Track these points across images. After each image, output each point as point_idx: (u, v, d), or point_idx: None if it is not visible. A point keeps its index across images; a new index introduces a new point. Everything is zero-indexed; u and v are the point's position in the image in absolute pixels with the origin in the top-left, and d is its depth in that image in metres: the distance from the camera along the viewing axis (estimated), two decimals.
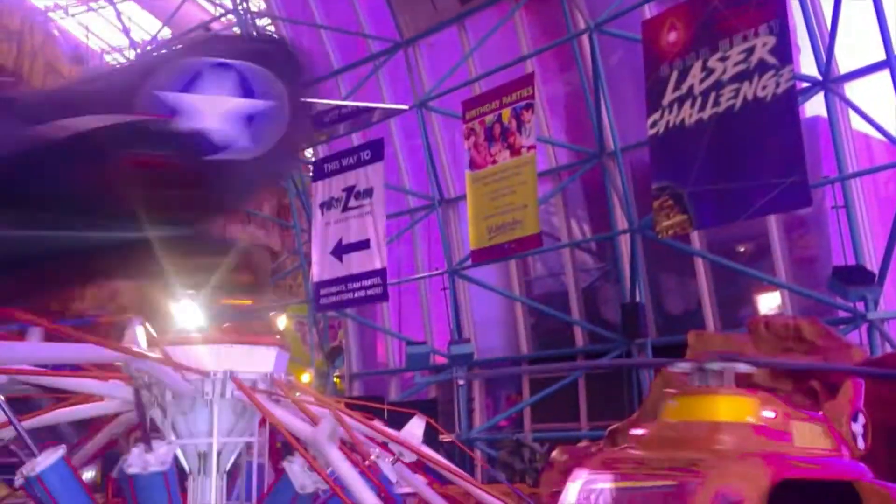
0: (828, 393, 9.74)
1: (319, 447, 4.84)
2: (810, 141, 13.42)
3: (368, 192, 16.21)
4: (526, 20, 17.72)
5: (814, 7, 13.58)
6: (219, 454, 5.39)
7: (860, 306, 12.35)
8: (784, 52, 11.62)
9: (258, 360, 5.69)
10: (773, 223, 14.30)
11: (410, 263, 20.37)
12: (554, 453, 12.38)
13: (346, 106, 17.86)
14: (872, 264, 12.63)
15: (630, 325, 14.89)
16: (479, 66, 18.05)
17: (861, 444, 6.04)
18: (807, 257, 14.58)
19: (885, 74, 12.55)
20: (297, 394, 5.98)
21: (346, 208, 16.37)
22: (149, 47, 23.56)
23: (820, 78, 13.38)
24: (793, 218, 14.27)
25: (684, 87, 12.81)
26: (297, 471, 5.34)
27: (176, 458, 5.52)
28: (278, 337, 6.50)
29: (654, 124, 13.12)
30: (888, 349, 11.88)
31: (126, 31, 23.41)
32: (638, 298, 15.24)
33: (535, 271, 19.16)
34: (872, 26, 12.50)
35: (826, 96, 13.37)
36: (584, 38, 16.00)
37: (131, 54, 24.51)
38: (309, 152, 21.63)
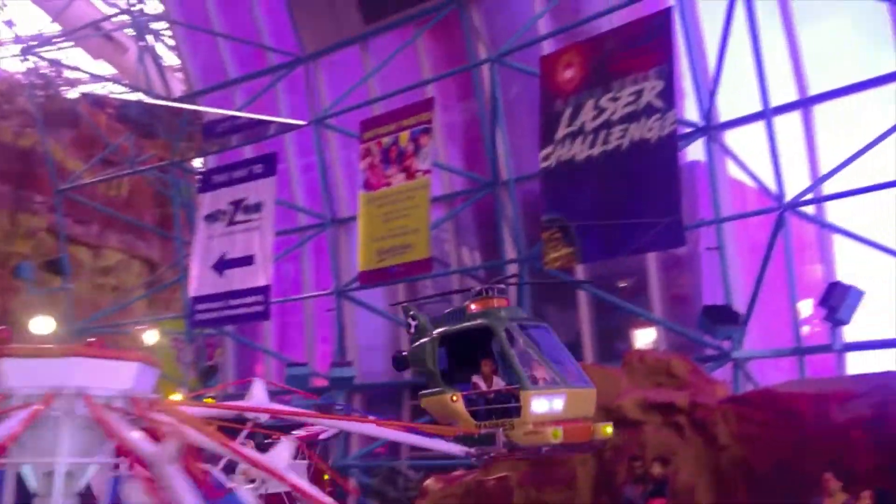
0: (693, 428, 10.08)
1: (159, 468, 4.53)
2: (690, 184, 13.99)
3: (257, 207, 15.80)
4: (428, 46, 17.83)
5: (699, 56, 14.23)
6: (70, 475, 5.01)
7: (727, 345, 12.85)
8: (670, 97, 12.09)
9: (115, 376, 5.35)
10: (652, 261, 14.78)
11: (297, 282, 19.97)
12: (428, 481, 12.30)
13: (239, 117, 17.42)
14: (740, 305, 13.19)
15: None
16: (380, 88, 18.00)
17: None
18: (681, 295, 15.11)
19: (761, 125, 13.25)
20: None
21: (232, 222, 15.90)
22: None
23: (702, 124, 13.99)
24: (670, 257, 14.78)
25: (577, 124, 13.12)
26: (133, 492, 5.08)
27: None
28: (144, 352, 6.14)
29: (546, 157, 13.35)
30: (751, 387, 12.39)
31: (10, 24, 22.18)
32: None
33: (425, 296, 19.11)
34: (753, 79, 13.18)
35: (706, 142, 13.98)
36: (485, 68, 16.22)
37: (15, 49, 23.20)
38: (198, 162, 21.00)
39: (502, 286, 8.90)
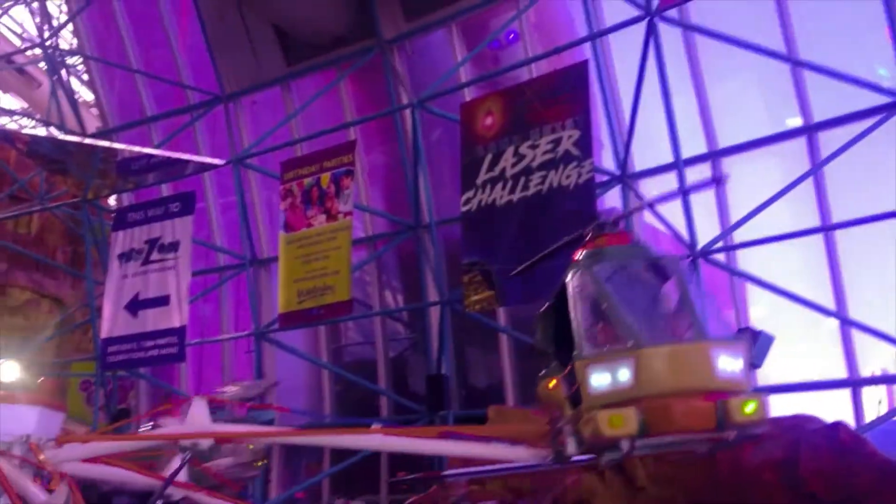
0: (613, 470, 10.21)
1: None
2: None
3: (174, 246, 15.42)
4: (351, 89, 17.93)
5: (615, 108, 14.76)
6: None
7: None
8: (587, 146, 12.45)
9: (15, 421, 5.18)
10: None
11: (215, 323, 19.51)
12: None
13: (156, 155, 17.05)
14: None
15: (434, 396, 14.97)
16: (303, 129, 17.95)
17: None
18: None
19: (672, 175, 13.76)
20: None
21: (147, 261, 15.44)
22: None
23: (618, 173, 14.44)
24: None
25: (497, 170, 13.36)
26: None
27: None
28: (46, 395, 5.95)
29: (467, 202, 13.53)
30: None
31: None
32: (443, 370, 15.41)
33: (347, 338, 18.95)
34: (665, 130, 13.73)
35: (622, 190, 14.43)
36: (407, 112, 16.39)
37: None
38: (112, 199, 20.42)
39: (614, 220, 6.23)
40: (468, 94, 15.76)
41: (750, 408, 4.97)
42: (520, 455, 5.95)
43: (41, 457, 5.11)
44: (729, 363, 5.12)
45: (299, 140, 17.68)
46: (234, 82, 18.28)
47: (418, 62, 17.23)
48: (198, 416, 6.36)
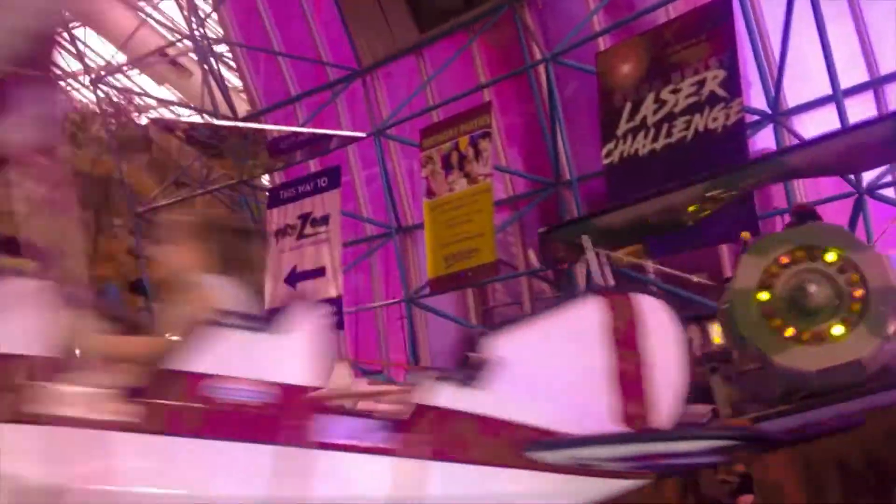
0: None
1: None
2: None
3: (324, 220, 16.08)
4: (483, 50, 17.87)
5: (763, 42, 13.90)
6: None
7: None
8: (734, 85, 11.85)
9: None
10: (726, 253, 14.47)
11: (368, 292, 20.21)
12: None
13: (302, 133, 17.76)
14: None
15: None
16: (437, 95, 18.10)
17: None
18: None
19: (831, 108, 12.85)
20: None
21: (301, 236, 16.21)
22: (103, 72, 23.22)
23: (769, 111, 13.65)
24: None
25: (637, 119, 12.98)
26: None
27: None
28: None
29: (608, 154, 13.25)
30: None
31: (80, 57, 23.02)
32: None
33: (495, 300, 19.14)
34: (821, 62, 12.80)
35: (774, 129, 13.63)
36: (541, 68, 16.16)
37: (86, 80, 24.04)
38: (265, 179, 21.48)
39: None
40: (603, 44, 15.33)
41: None
42: None
43: None
44: None
45: (435, 106, 17.85)
46: (370, 55, 18.64)
47: (549, 16, 16.91)
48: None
